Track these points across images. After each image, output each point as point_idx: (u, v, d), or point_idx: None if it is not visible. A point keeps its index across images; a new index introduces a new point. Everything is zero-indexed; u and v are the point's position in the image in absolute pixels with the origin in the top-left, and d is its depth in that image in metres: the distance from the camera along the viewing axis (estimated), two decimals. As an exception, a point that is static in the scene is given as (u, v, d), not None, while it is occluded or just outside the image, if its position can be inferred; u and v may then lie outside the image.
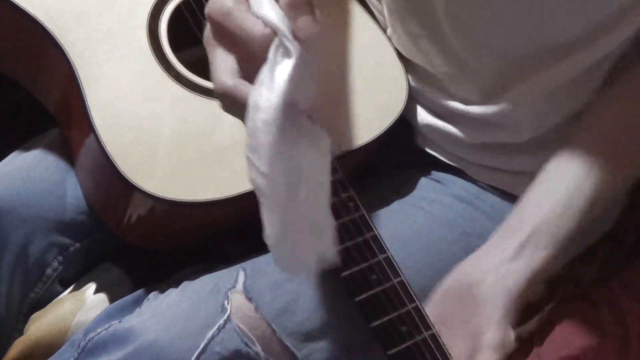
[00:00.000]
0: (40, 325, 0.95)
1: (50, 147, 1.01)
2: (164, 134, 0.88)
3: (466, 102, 1.01)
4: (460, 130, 1.03)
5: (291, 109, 0.68)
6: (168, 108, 0.89)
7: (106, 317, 0.91)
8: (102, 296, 0.98)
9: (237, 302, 0.88)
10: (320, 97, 0.73)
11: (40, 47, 0.93)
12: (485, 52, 0.96)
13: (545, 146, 1.00)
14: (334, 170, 0.77)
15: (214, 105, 0.81)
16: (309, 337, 0.89)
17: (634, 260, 1.16)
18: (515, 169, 1.03)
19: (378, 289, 0.81)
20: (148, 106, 0.88)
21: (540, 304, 1.07)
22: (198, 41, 0.86)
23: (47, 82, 0.96)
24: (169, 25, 0.93)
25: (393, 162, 1.06)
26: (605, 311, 1.10)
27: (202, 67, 0.85)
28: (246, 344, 0.87)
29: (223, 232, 0.95)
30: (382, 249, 0.82)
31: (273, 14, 0.71)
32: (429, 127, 1.04)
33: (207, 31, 0.77)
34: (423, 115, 1.04)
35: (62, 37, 0.89)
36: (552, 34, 0.93)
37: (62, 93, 0.94)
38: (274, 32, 0.69)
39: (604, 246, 1.14)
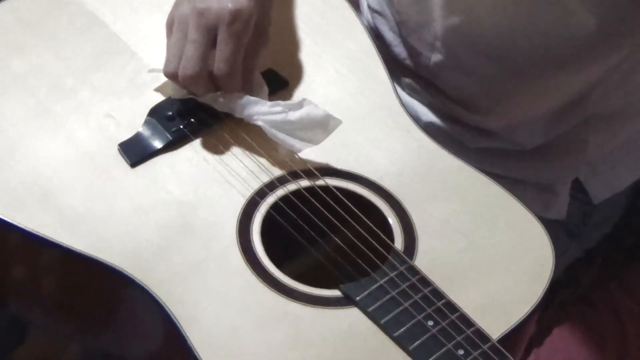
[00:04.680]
0: None
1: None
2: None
3: (469, 111, 1.11)
4: (463, 133, 1.13)
5: None
6: (286, 331, 0.86)
7: None
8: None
9: None
10: None
11: (118, 297, 0.92)
12: (487, 57, 1.06)
13: (547, 157, 1.12)
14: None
15: (340, 315, 0.86)
16: None
17: (632, 263, 1.25)
18: (515, 177, 1.13)
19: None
20: (264, 335, 0.86)
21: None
22: (297, 247, 0.93)
23: (128, 335, 0.95)
24: (262, 239, 0.92)
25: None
26: (604, 312, 1.19)
27: (308, 274, 0.90)
28: None
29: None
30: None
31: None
32: (431, 125, 1.14)
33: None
34: (426, 113, 1.14)
35: (146, 280, 0.87)
36: (557, 44, 1.03)
37: (156, 342, 0.92)
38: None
39: (603, 249, 1.24)
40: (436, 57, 1.10)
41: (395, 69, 1.17)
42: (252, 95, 0.99)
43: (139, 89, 1.02)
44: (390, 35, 1.16)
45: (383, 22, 1.17)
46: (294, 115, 0.96)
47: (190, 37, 0.96)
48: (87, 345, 1.03)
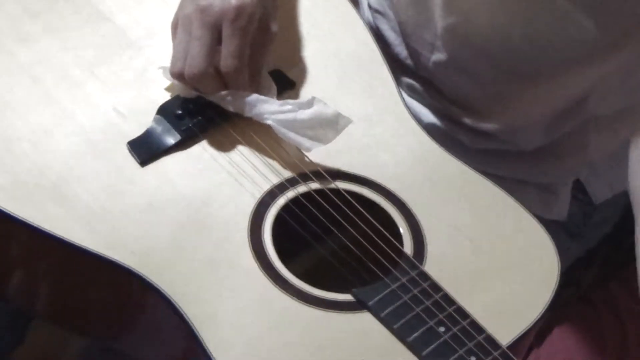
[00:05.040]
0: None
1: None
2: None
3: (469, 112, 1.13)
4: (463, 134, 1.14)
5: None
6: (299, 334, 0.87)
7: None
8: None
9: None
10: None
11: (129, 296, 0.93)
12: (486, 58, 1.08)
13: (548, 158, 1.14)
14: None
15: (353, 320, 0.88)
16: None
17: (632, 263, 1.23)
18: (516, 178, 1.14)
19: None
20: (276, 337, 0.87)
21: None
22: (306, 248, 0.95)
23: (138, 334, 0.96)
24: (273, 240, 0.92)
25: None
26: (604, 312, 1.20)
27: (317, 276, 0.91)
28: None
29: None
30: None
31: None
32: (432, 126, 1.15)
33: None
34: (427, 114, 1.16)
35: (158, 279, 0.88)
36: (552, 49, 1.05)
37: (167, 341, 0.93)
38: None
39: (603, 249, 1.25)
40: (436, 57, 1.11)
41: (396, 69, 1.17)
42: (260, 94, 0.99)
43: (146, 84, 1.02)
44: (391, 35, 1.17)
45: (384, 21, 1.18)
46: (304, 114, 0.97)
47: (194, 35, 0.96)
48: (95, 343, 1.04)
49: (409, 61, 1.16)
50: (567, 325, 1.18)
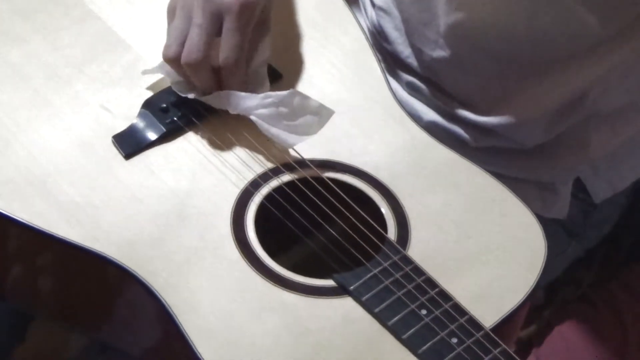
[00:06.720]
0: None
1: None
2: (284, 352, 0.87)
3: (471, 109, 1.14)
4: (465, 132, 1.15)
5: None
6: (281, 320, 0.89)
7: None
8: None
9: None
10: None
11: (114, 288, 0.95)
12: (488, 55, 1.09)
13: (549, 156, 1.15)
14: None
15: (335, 305, 0.90)
16: None
17: (632, 263, 1.29)
18: (518, 176, 1.15)
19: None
20: (259, 324, 0.88)
21: (539, 310, 1.20)
22: (291, 238, 0.97)
23: (125, 325, 0.98)
24: (256, 229, 0.95)
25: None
26: (604, 312, 1.23)
27: (303, 265, 0.94)
28: None
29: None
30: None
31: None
32: (433, 124, 1.16)
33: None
34: (427, 112, 1.16)
35: (141, 270, 0.90)
36: (554, 44, 1.06)
37: (151, 331, 0.95)
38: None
39: (603, 249, 1.28)
40: (438, 55, 1.13)
41: (397, 67, 1.20)
42: (254, 89, 1.01)
43: (134, 80, 1.05)
44: (393, 33, 1.19)
45: (387, 19, 1.19)
46: (285, 107, 0.99)
47: (195, 22, 0.97)
48: (87, 338, 1.06)
49: (411, 59, 1.17)
50: (567, 324, 1.19)
